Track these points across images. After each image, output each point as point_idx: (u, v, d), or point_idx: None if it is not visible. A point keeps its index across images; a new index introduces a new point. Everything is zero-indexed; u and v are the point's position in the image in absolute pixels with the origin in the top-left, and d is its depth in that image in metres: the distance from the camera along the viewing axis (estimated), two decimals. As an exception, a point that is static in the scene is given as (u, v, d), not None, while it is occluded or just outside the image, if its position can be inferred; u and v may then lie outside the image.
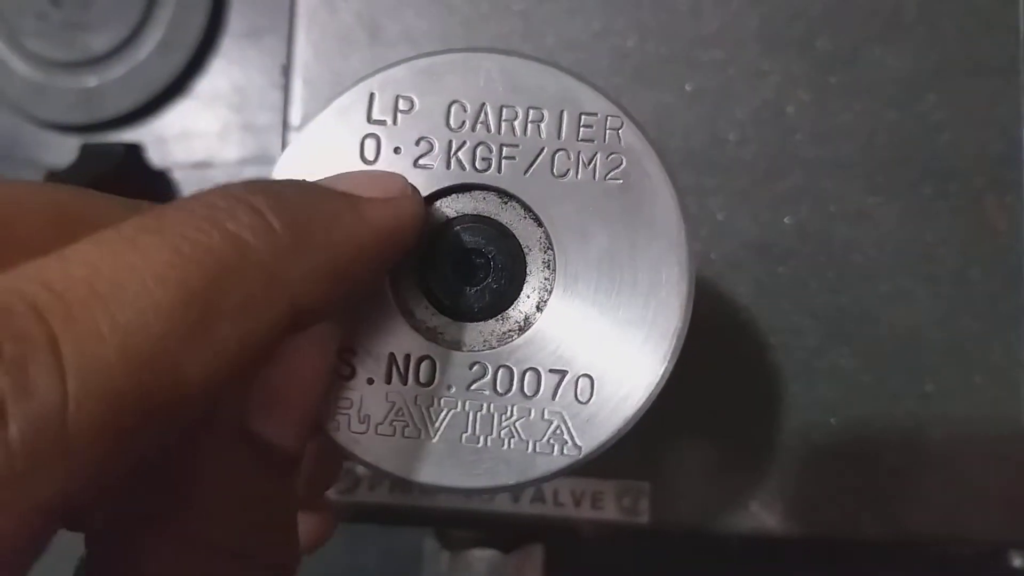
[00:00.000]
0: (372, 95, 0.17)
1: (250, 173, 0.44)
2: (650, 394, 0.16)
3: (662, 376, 0.16)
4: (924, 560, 0.39)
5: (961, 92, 0.26)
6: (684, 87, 0.27)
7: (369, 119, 0.17)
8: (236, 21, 0.45)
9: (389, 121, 0.17)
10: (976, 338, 0.26)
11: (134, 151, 0.41)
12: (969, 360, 0.26)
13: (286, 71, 0.27)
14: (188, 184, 0.44)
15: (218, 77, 0.45)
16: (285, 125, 0.27)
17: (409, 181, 0.16)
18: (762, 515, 0.26)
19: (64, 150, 0.44)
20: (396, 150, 0.17)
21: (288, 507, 0.18)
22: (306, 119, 0.27)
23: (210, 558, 0.16)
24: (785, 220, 0.26)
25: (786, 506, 0.26)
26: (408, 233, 0.16)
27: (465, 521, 0.26)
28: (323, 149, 0.17)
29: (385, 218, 0.16)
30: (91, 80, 0.44)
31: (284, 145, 0.27)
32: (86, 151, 0.39)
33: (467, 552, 0.29)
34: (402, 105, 0.17)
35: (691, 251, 0.16)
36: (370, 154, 0.17)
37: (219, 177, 0.44)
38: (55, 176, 0.39)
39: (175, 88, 0.44)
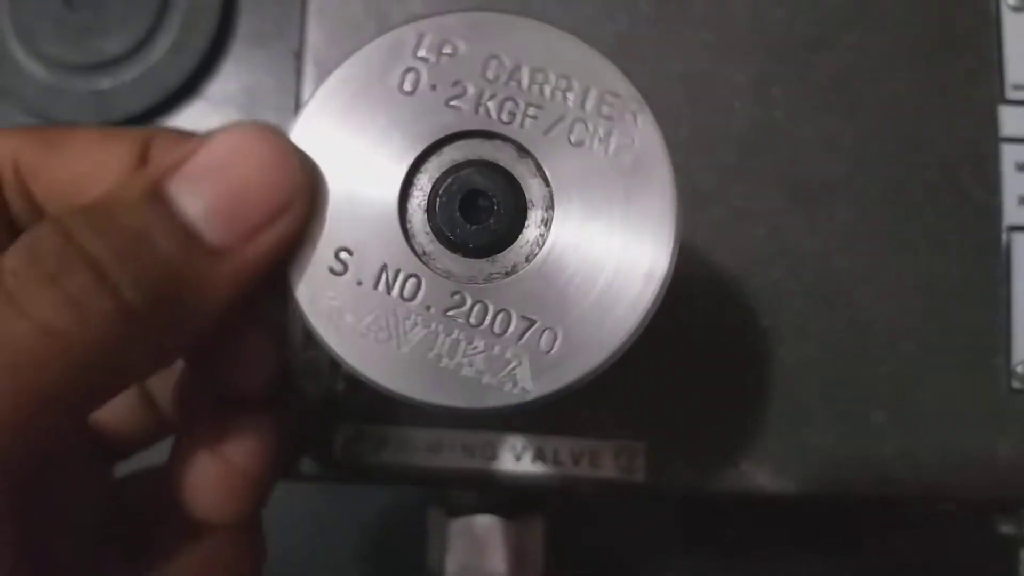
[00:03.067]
0: (422, 34, 0.18)
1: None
2: (606, 359, 0.17)
3: (620, 348, 0.17)
4: (915, 530, 0.40)
5: (937, 70, 0.28)
6: (674, 68, 0.28)
7: (414, 55, 0.18)
8: (245, 25, 0.47)
9: (432, 59, 0.18)
10: (956, 303, 0.27)
11: None
12: (951, 324, 0.27)
13: (299, 56, 0.29)
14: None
15: (228, 79, 0.46)
16: (298, 107, 0.29)
17: (298, 154, 0.18)
18: (754, 474, 0.27)
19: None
20: (433, 87, 0.18)
21: None
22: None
23: None
24: (771, 192, 0.28)
25: (777, 466, 0.27)
26: (288, 246, 0.18)
27: (467, 481, 0.27)
28: (366, 75, 0.18)
29: (263, 255, 0.17)
30: (105, 82, 0.45)
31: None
32: None
33: (469, 517, 0.30)
34: (446, 49, 0.18)
35: (677, 243, 0.17)
36: (408, 86, 0.18)
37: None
38: None
39: (186, 90, 0.46)
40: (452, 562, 0.30)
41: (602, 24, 0.28)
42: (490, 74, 0.18)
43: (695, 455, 0.27)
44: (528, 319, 0.17)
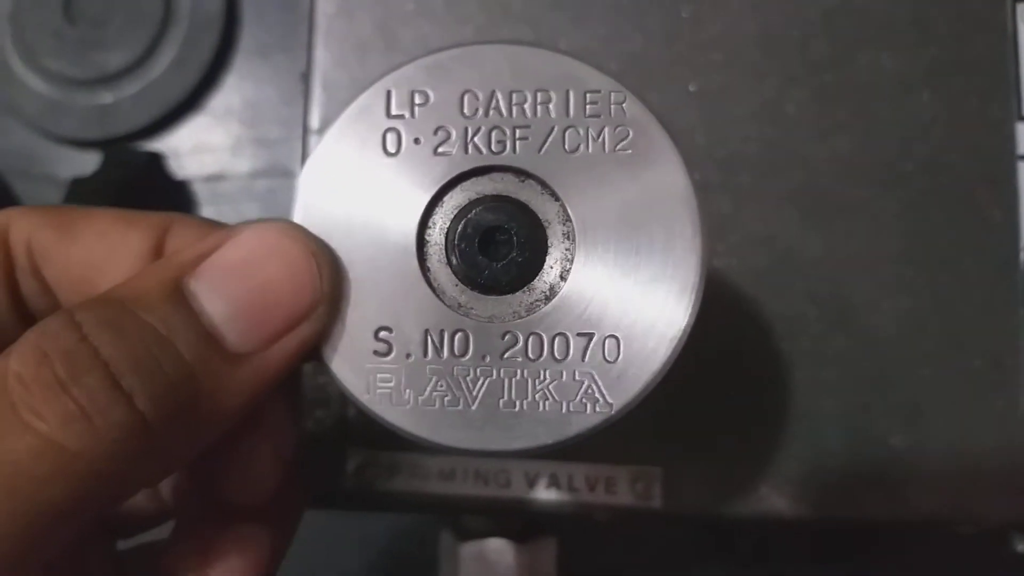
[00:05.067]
0: (389, 92, 0.18)
1: (262, 184, 0.46)
2: (675, 348, 0.17)
3: (685, 330, 0.17)
4: (931, 550, 0.40)
5: (953, 89, 0.28)
6: (688, 88, 0.28)
7: (388, 115, 0.18)
8: (247, 39, 0.46)
9: (407, 115, 0.18)
10: (973, 325, 0.27)
11: (156, 160, 0.42)
12: (966, 347, 0.27)
13: (306, 78, 0.28)
14: (202, 196, 0.45)
15: (230, 93, 0.46)
16: (305, 129, 0.28)
17: (324, 253, 0.17)
18: (772, 498, 0.26)
19: (81, 165, 0.45)
20: (416, 141, 0.18)
21: None
22: (325, 123, 0.28)
23: None
24: (787, 214, 0.27)
25: (795, 490, 0.26)
26: (308, 349, 0.17)
27: (481, 508, 0.27)
28: (347, 149, 0.18)
29: (283, 362, 0.17)
30: (107, 97, 0.45)
31: (304, 148, 0.28)
32: (109, 158, 0.40)
33: (482, 542, 0.30)
34: (418, 99, 0.18)
35: (702, 208, 0.17)
36: (392, 147, 0.18)
37: (232, 189, 0.45)
38: (81, 182, 0.40)
39: (189, 104, 0.45)
40: (464, 587, 0.30)
41: (616, 45, 0.28)
42: (467, 110, 0.18)
43: (712, 480, 0.27)
44: (585, 335, 0.17)
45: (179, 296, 0.16)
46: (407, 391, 0.17)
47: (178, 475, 0.23)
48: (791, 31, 0.28)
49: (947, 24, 0.28)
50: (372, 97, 0.18)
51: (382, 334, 0.17)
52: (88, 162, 0.44)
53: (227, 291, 0.16)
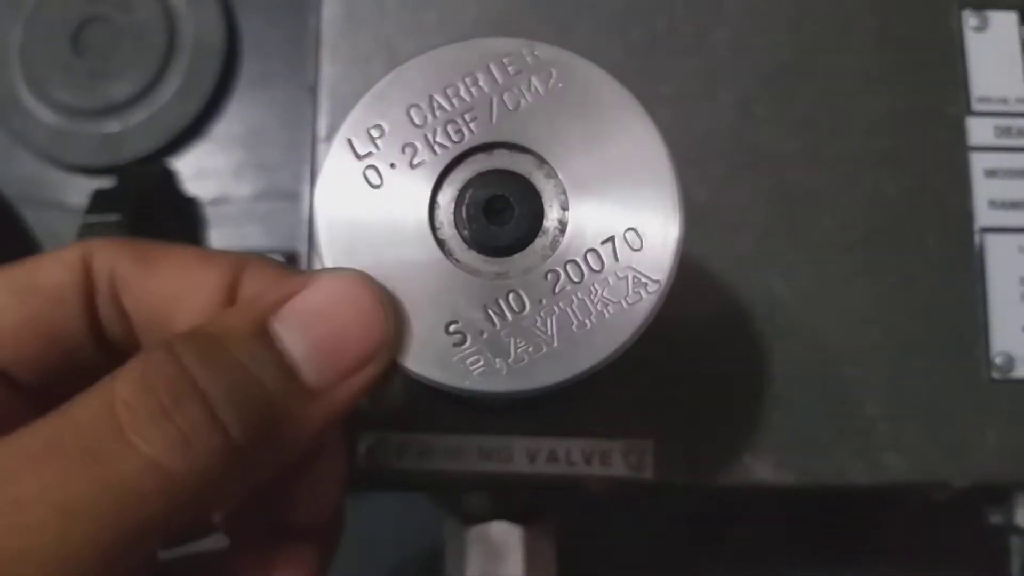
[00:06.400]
0: (350, 140, 0.20)
1: (263, 207, 0.47)
2: (682, 217, 0.19)
3: (680, 200, 0.19)
4: (910, 531, 0.41)
5: (910, 87, 0.30)
6: (664, 92, 0.30)
7: (358, 157, 0.20)
8: (248, 70, 0.49)
9: (373, 149, 0.20)
10: (936, 301, 0.29)
11: (169, 175, 0.44)
12: (932, 320, 0.29)
13: (313, 90, 0.31)
14: (206, 218, 0.47)
15: (233, 120, 0.48)
16: (314, 138, 0.30)
17: (390, 301, 0.19)
18: (755, 467, 0.28)
19: (88, 192, 0.47)
20: (392, 166, 0.20)
21: None
22: (332, 131, 0.31)
23: None
24: (759, 203, 0.30)
25: (776, 458, 0.28)
26: (377, 382, 0.19)
27: (485, 483, 0.28)
28: (339, 196, 0.20)
29: (351, 398, 0.19)
30: (114, 125, 0.47)
31: (314, 156, 0.30)
32: (127, 171, 0.42)
33: (484, 525, 0.31)
34: (374, 132, 0.20)
35: (642, 106, 0.20)
36: (375, 180, 0.20)
37: (234, 211, 0.47)
38: (103, 193, 0.41)
39: (192, 131, 0.47)
40: (471, 569, 0.31)
41: (597, 57, 0.30)
42: (418, 121, 0.20)
43: (699, 452, 0.29)
44: (607, 240, 0.19)
45: (265, 335, 0.18)
46: (497, 361, 0.19)
47: None
48: (759, 39, 0.30)
49: (902, 28, 0.31)
50: (339, 149, 0.20)
51: (451, 328, 0.19)
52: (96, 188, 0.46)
53: (307, 333, 0.18)
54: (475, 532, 0.31)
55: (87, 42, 0.47)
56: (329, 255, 0.20)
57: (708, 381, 0.29)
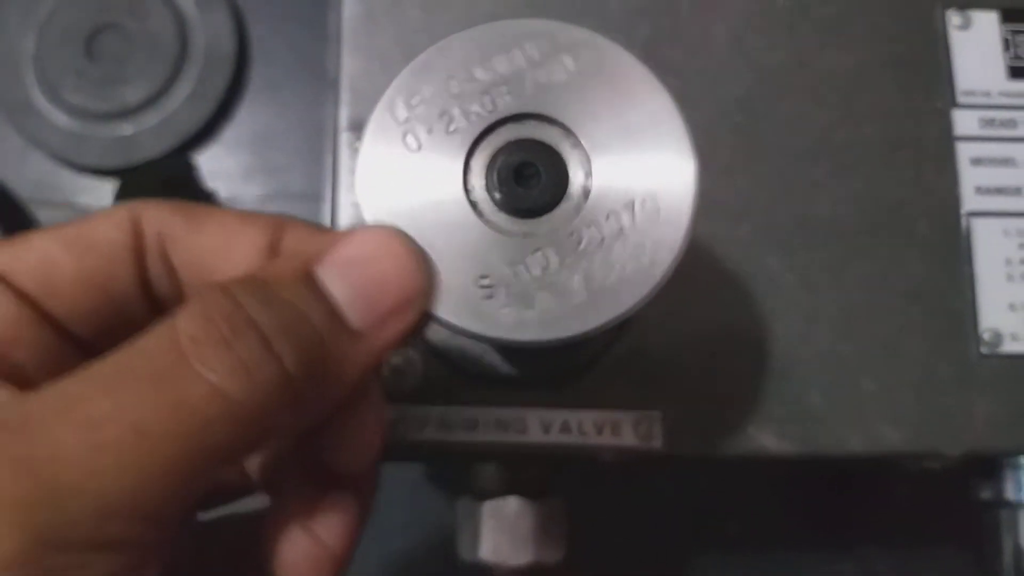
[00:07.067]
0: (393, 102, 0.21)
1: (271, 208, 0.49)
2: (697, 177, 0.21)
3: (696, 170, 0.21)
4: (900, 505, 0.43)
5: (900, 81, 0.32)
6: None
7: (398, 122, 0.21)
8: (257, 75, 0.50)
9: (412, 114, 0.21)
10: (928, 281, 0.31)
11: (190, 165, 0.46)
12: (924, 299, 0.31)
13: (334, 83, 0.32)
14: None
15: (243, 124, 0.50)
16: (336, 128, 0.32)
17: (422, 253, 0.20)
18: (759, 437, 0.30)
19: (103, 194, 0.48)
20: (429, 131, 0.21)
21: None
22: (352, 122, 0.32)
23: None
24: (761, 191, 0.31)
25: (779, 429, 0.30)
26: (412, 328, 0.20)
27: (501, 453, 0.30)
28: (380, 156, 0.21)
29: (390, 341, 0.20)
30: (127, 129, 0.48)
31: (335, 145, 0.32)
32: (153, 163, 0.43)
33: (497, 500, 0.32)
34: (414, 100, 0.21)
35: (661, 83, 0.21)
36: (413, 144, 0.21)
37: (244, 212, 0.48)
38: (130, 173, 0.42)
39: (203, 135, 0.49)
40: (485, 543, 0.32)
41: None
42: (456, 90, 0.21)
43: (706, 423, 0.30)
44: (628, 204, 0.21)
45: (311, 280, 0.19)
46: (526, 312, 0.20)
47: (271, 451, 0.25)
48: (757, 39, 0.32)
49: (891, 27, 0.33)
50: (382, 112, 0.22)
51: (483, 281, 0.20)
52: (109, 191, 0.47)
53: (348, 280, 0.20)
54: (489, 507, 0.32)
55: (101, 48, 0.49)
56: (370, 213, 0.21)
57: (713, 357, 0.30)
